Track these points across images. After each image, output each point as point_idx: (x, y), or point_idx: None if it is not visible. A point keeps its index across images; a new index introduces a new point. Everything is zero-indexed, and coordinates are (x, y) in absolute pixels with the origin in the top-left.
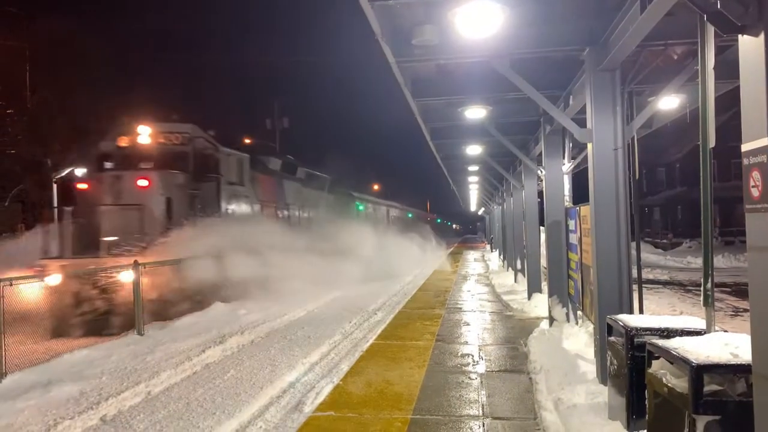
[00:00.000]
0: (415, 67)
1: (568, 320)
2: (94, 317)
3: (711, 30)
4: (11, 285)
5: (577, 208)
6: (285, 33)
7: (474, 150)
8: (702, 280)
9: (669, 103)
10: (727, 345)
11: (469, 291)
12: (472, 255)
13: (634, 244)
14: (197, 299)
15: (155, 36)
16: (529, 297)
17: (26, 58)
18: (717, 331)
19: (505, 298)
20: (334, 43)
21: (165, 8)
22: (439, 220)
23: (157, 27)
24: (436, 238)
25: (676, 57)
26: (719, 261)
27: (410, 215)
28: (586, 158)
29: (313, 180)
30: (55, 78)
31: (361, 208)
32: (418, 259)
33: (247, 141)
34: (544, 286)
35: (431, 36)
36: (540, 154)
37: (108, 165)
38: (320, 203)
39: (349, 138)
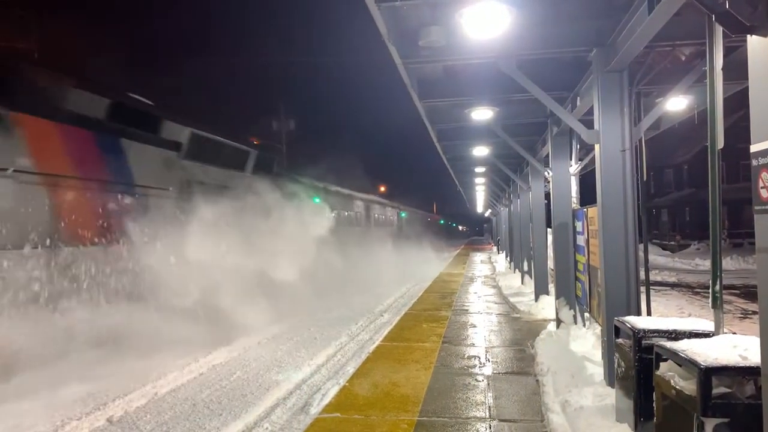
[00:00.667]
0: (421, 68)
1: (575, 322)
2: None
3: (719, 30)
4: None
5: (585, 209)
6: (290, 34)
7: (481, 151)
8: (710, 282)
9: (677, 104)
10: (736, 347)
11: (475, 293)
12: (478, 257)
13: (641, 246)
14: None
15: (160, 36)
16: (536, 299)
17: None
18: (725, 333)
19: (511, 300)
20: (342, 45)
21: (170, 8)
22: (442, 221)
23: (162, 28)
24: (437, 245)
25: (684, 58)
26: (728, 263)
27: (404, 215)
28: (593, 160)
29: (214, 150)
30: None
31: (316, 200)
32: (396, 277)
33: (255, 142)
34: (551, 288)
35: (438, 37)
36: (547, 155)
37: None
38: (231, 190)
39: (356, 139)
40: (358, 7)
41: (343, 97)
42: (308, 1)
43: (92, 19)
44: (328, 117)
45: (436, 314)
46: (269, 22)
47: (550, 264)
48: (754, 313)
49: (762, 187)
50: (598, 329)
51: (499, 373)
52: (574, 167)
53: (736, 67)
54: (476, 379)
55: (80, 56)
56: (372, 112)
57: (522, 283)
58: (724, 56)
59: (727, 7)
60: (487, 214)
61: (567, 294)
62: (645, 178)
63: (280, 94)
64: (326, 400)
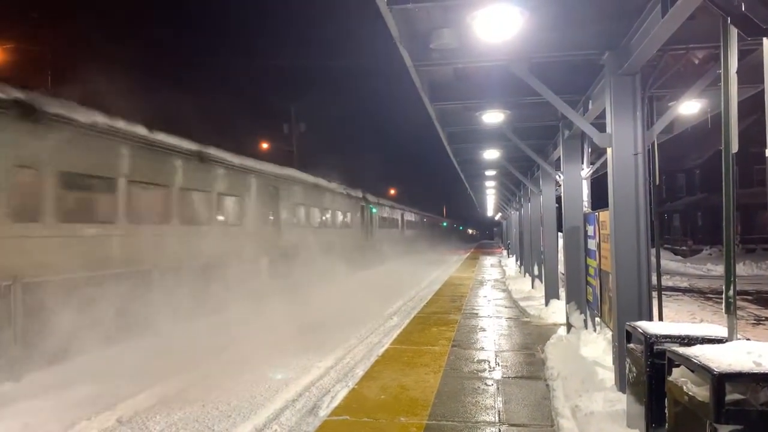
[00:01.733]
0: (433, 70)
1: (585, 327)
2: None
3: (734, 33)
4: None
5: (596, 213)
6: (300, 36)
7: (491, 154)
8: (724, 287)
9: (690, 107)
10: (750, 353)
11: (485, 297)
12: (488, 260)
13: (653, 251)
14: None
15: (171, 39)
16: (547, 303)
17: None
18: (739, 339)
19: (522, 304)
20: (353, 47)
21: (178, 11)
22: (445, 224)
23: (172, 30)
24: (431, 257)
25: (697, 61)
26: (740, 269)
27: (374, 210)
28: (605, 163)
29: None
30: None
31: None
32: None
33: (264, 145)
34: (562, 292)
35: (450, 40)
36: (558, 158)
37: None
38: None
39: (367, 142)
40: (370, 9)
41: (353, 100)
42: (318, 3)
43: (101, 20)
44: (339, 120)
45: (445, 317)
46: (278, 23)
47: (561, 268)
48: (767, 319)
49: None
50: (608, 334)
51: (508, 377)
52: (586, 171)
53: (751, 70)
54: (486, 383)
55: (91, 58)
56: (382, 115)
57: (532, 287)
58: (739, 59)
59: (743, 9)
60: (497, 217)
61: (578, 298)
62: (657, 182)
63: (289, 98)
64: (335, 403)
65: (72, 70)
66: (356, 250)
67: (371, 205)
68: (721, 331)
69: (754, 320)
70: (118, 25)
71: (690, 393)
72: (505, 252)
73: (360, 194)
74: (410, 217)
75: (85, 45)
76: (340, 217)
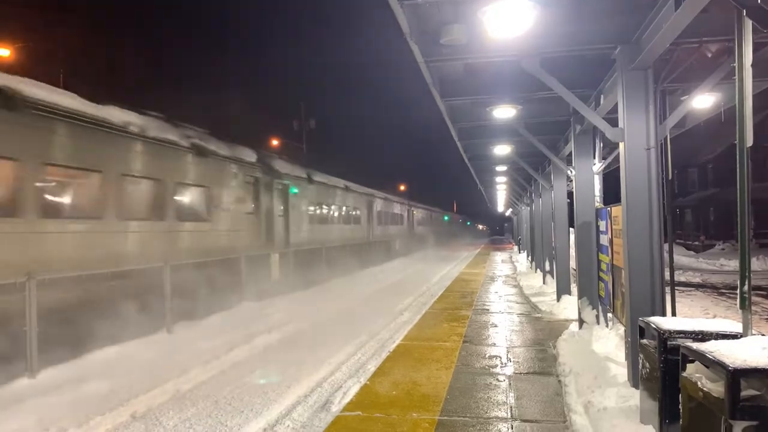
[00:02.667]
0: (443, 66)
1: (598, 322)
2: None
3: (749, 25)
4: None
5: (608, 208)
6: (309, 34)
7: (502, 150)
8: (738, 282)
9: (703, 101)
10: (765, 349)
11: (496, 292)
12: (499, 256)
13: (666, 246)
14: None
15: (180, 37)
16: (558, 299)
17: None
18: (754, 334)
19: (533, 299)
20: (362, 43)
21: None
22: (446, 218)
23: (179, 29)
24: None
25: (710, 55)
26: (754, 264)
27: (294, 191)
28: (616, 158)
29: None
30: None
31: None
32: None
33: (275, 142)
34: (574, 287)
35: (460, 35)
36: (570, 154)
37: None
38: None
39: (376, 137)
40: (380, 5)
41: (363, 96)
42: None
43: (111, 17)
44: (348, 118)
45: (456, 313)
46: (289, 21)
47: (573, 264)
48: None
49: None
50: (621, 330)
51: (520, 373)
52: (598, 166)
53: (765, 63)
54: (497, 379)
55: (104, 54)
56: (392, 111)
57: (543, 283)
58: (753, 52)
59: (759, 1)
60: (507, 213)
61: (590, 294)
62: (670, 177)
63: (299, 94)
64: (347, 398)
65: (85, 67)
66: (229, 265)
67: (288, 182)
68: (736, 327)
69: None
70: (127, 21)
71: (704, 389)
72: (515, 248)
73: (252, 158)
74: (385, 206)
75: (97, 42)
76: (168, 196)
